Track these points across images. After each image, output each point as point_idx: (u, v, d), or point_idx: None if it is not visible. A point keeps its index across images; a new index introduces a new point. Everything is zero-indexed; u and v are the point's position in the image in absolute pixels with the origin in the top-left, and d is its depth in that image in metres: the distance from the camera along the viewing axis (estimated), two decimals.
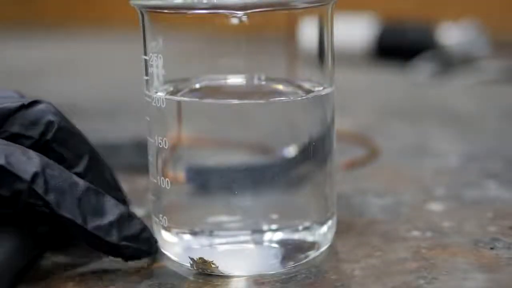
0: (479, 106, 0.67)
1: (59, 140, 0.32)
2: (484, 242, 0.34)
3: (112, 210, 0.31)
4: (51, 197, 0.29)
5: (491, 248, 0.34)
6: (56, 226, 0.32)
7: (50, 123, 0.31)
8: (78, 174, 0.32)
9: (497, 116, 0.63)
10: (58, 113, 0.32)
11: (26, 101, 0.32)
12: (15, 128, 0.31)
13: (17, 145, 0.30)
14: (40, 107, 0.32)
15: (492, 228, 0.36)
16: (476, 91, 0.73)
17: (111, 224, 0.31)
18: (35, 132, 0.31)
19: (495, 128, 0.59)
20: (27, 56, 1.02)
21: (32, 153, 0.30)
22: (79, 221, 0.30)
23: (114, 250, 0.31)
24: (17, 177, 0.29)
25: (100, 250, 0.31)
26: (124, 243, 0.31)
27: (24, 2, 1.31)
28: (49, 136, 0.31)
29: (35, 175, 0.29)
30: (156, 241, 0.33)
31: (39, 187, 0.29)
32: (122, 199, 0.34)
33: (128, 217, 0.31)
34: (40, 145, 0.31)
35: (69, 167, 0.32)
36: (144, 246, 0.32)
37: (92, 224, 0.30)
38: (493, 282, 0.31)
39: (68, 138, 0.32)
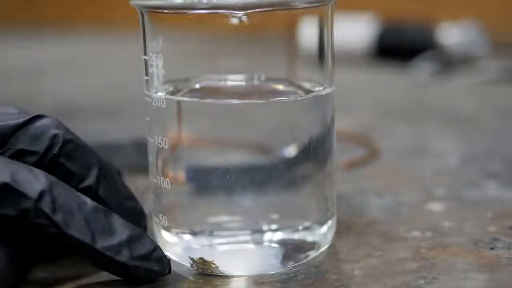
0: (479, 106, 0.67)
1: (66, 154, 0.31)
2: (484, 242, 0.34)
3: (122, 230, 0.30)
4: (58, 217, 0.29)
5: (491, 248, 0.34)
6: (61, 248, 0.32)
7: (55, 137, 0.31)
8: (89, 187, 0.31)
9: (497, 116, 0.63)
10: (62, 126, 0.31)
11: (28, 116, 0.31)
12: (19, 145, 0.31)
13: (22, 163, 0.30)
14: (43, 121, 0.31)
15: (492, 228, 0.36)
16: (476, 91, 0.73)
17: (121, 243, 0.30)
18: (40, 147, 0.31)
19: (495, 128, 0.59)
20: (27, 56, 1.02)
21: (38, 171, 0.30)
22: (88, 240, 0.29)
23: (125, 270, 0.30)
24: (23, 195, 0.28)
25: (110, 271, 0.30)
26: (135, 263, 0.30)
27: (24, 2, 1.31)
28: (55, 150, 0.31)
29: (41, 193, 0.29)
30: (169, 261, 0.31)
31: (46, 206, 0.29)
32: (138, 209, 0.34)
33: (138, 236, 0.30)
34: (47, 161, 0.31)
35: (79, 181, 0.31)
36: (156, 266, 0.31)
37: (101, 243, 0.29)
38: (493, 282, 0.31)
39: (75, 151, 0.31)
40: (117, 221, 0.30)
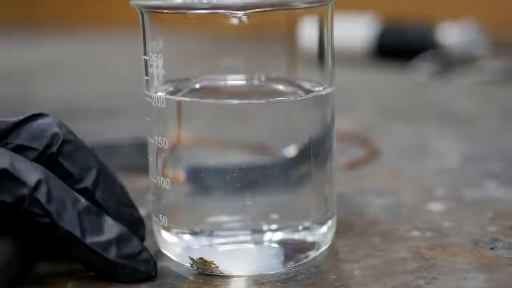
0: (479, 106, 0.67)
1: (65, 154, 0.31)
2: (484, 242, 0.34)
3: (111, 229, 0.30)
4: (52, 207, 0.29)
5: (491, 248, 0.34)
6: (49, 242, 0.32)
7: (55, 135, 0.31)
8: (86, 189, 0.31)
9: (497, 116, 0.63)
10: (63, 126, 0.32)
11: (30, 114, 0.31)
12: (19, 140, 0.31)
13: (21, 156, 0.30)
14: (45, 120, 0.31)
15: (492, 228, 0.36)
16: (476, 91, 0.73)
17: (110, 241, 0.30)
18: (39, 144, 0.31)
19: (495, 128, 0.59)
20: (27, 56, 1.02)
21: (36, 164, 0.30)
22: (77, 233, 0.29)
23: (111, 268, 0.30)
24: (20, 182, 0.29)
25: (97, 268, 0.31)
26: (122, 261, 0.30)
27: (24, 2, 1.31)
28: (54, 148, 0.31)
29: (38, 183, 0.29)
30: (155, 264, 0.32)
31: (41, 195, 0.29)
32: (136, 218, 0.34)
33: (127, 236, 0.31)
34: (45, 158, 0.31)
35: (76, 181, 0.31)
36: (143, 267, 0.31)
37: (90, 239, 0.30)
38: (493, 282, 0.31)
39: (74, 151, 0.31)
40: (108, 221, 0.31)
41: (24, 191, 0.29)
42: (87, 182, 0.32)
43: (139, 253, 0.31)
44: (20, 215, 0.29)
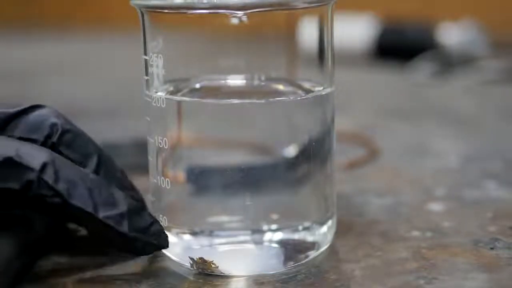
0: (479, 106, 0.67)
1: (65, 142, 0.32)
2: (484, 242, 0.34)
3: (123, 202, 0.30)
4: (61, 187, 0.29)
5: (491, 248, 0.34)
6: (64, 219, 0.32)
7: (54, 126, 0.31)
8: None
9: (497, 116, 0.63)
10: (60, 116, 0.32)
11: (27, 105, 0.31)
12: (18, 132, 0.31)
13: (25, 142, 0.30)
14: (42, 111, 0.32)
15: (492, 228, 0.36)
16: (476, 91, 0.73)
17: (122, 215, 0.30)
18: (40, 136, 0.31)
19: (495, 128, 0.59)
20: (27, 56, 1.02)
21: (41, 147, 0.30)
22: (90, 209, 0.30)
23: (124, 241, 0.31)
24: (26, 168, 0.29)
25: (111, 241, 0.31)
26: (134, 234, 0.30)
27: (24, 2, 1.31)
28: (55, 138, 0.31)
29: (44, 165, 0.29)
30: (166, 235, 0.32)
31: (48, 177, 0.29)
32: (138, 199, 0.34)
33: (138, 210, 0.31)
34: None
35: None
36: (155, 240, 0.31)
37: (103, 213, 0.30)
38: (493, 282, 0.31)
39: (74, 139, 0.32)
40: (119, 194, 0.31)
41: (31, 176, 0.29)
42: (90, 169, 0.32)
43: (150, 226, 0.31)
44: (30, 200, 0.30)
